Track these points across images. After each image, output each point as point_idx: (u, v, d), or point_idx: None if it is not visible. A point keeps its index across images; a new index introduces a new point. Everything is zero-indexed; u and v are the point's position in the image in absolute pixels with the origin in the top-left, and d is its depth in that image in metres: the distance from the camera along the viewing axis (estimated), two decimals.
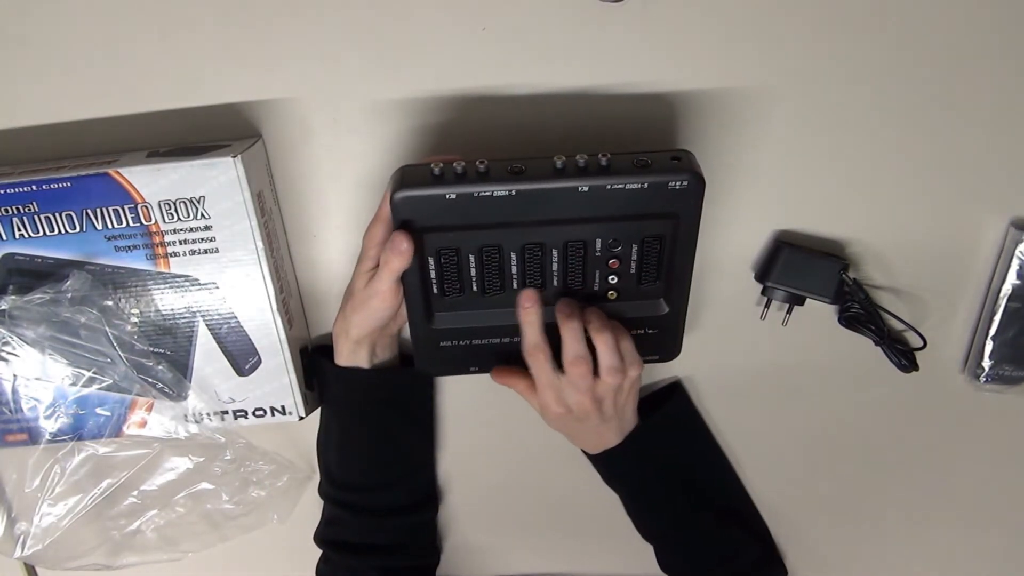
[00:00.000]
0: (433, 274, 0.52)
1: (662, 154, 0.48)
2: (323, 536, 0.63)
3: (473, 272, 0.52)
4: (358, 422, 0.60)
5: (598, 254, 0.52)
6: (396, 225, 0.49)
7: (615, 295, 0.54)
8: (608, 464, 0.62)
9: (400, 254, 0.49)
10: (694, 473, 0.64)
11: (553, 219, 0.49)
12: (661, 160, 0.47)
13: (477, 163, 0.47)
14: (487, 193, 0.47)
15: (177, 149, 0.56)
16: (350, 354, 0.57)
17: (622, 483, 0.64)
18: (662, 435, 0.62)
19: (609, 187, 0.47)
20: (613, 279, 0.53)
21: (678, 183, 0.47)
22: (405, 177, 0.48)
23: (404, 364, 0.61)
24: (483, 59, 0.56)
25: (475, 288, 0.53)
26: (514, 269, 0.52)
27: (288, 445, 0.66)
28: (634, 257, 0.52)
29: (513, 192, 0.47)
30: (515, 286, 0.53)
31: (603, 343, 0.51)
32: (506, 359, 0.57)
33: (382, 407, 0.60)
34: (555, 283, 0.53)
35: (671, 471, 0.62)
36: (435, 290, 0.53)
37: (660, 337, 0.57)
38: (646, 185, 0.47)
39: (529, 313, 0.51)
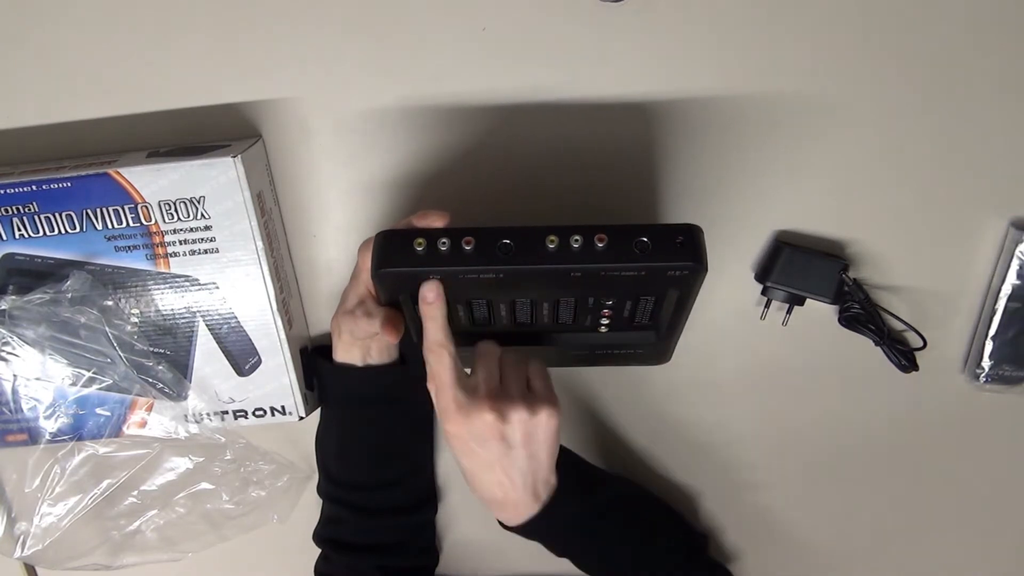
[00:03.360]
0: (420, 313, 0.50)
1: (665, 233, 0.43)
2: (322, 535, 0.63)
3: (461, 314, 0.50)
4: (356, 420, 0.60)
5: (590, 307, 0.50)
6: (381, 294, 0.49)
7: (606, 330, 0.53)
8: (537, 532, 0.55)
9: (391, 340, 0.51)
10: (619, 514, 0.59)
11: (544, 293, 0.47)
12: (663, 242, 0.43)
13: (463, 242, 0.43)
14: (473, 275, 0.44)
15: (177, 149, 0.56)
16: (344, 352, 0.57)
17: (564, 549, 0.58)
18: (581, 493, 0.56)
19: (604, 274, 0.44)
20: (605, 322, 0.52)
21: (678, 271, 0.44)
22: (386, 252, 0.45)
23: (403, 362, 0.61)
24: (483, 59, 0.56)
25: (463, 322, 0.51)
26: (503, 313, 0.51)
27: (288, 445, 0.66)
28: (627, 309, 0.50)
29: (501, 275, 0.44)
30: (505, 322, 0.52)
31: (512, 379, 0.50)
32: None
33: (379, 405, 0.60)
34: (545, 321, 0.51)
35: (603, 521, 0.57)
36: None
37: (649, 354, 0.57)
38: (644, 272, 0.44)
39: (432, 308, 0.47)
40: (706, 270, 0.44)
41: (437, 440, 0.67)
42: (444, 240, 0.44)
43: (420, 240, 0.44)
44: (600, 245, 0.43)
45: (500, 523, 0.55)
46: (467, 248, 0.43)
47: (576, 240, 0.43)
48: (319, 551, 0.64)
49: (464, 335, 0.51)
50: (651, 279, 0.45)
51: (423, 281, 0.46)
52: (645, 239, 0.43)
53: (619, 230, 0.43)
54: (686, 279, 0.45)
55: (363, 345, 0.57)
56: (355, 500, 0.61)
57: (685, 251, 0.43)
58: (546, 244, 0.43)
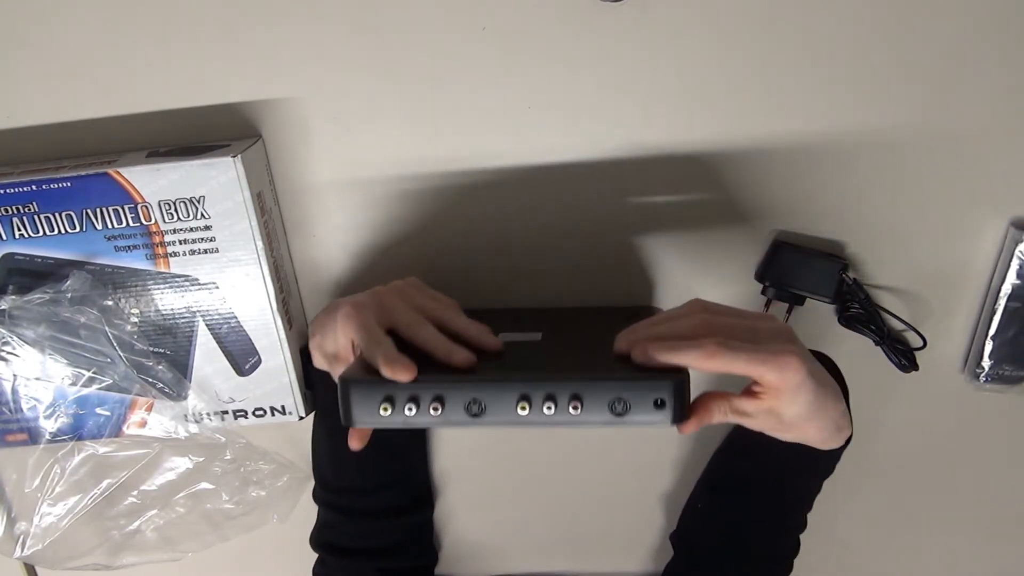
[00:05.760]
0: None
1: (644, 390, 0.42)
2: (319, 540, 0.63)
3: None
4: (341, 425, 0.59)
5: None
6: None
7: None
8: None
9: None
10: None
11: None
12: (641, 402, 0.42)
13: (430, 408, 0.43)
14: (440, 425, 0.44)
15: (177, 149, 0.56)
16: (319, 362, 0.55)
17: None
18: None
19: (575, 426, 0.43)
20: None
21: (654, 423, 0.43)
22: (353, 406, 0.44)
23: None
24: (483, 58, 0.56)
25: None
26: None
27: (288, 445, 0.66)
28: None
29: (469, 427, 0.44)
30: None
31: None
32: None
33: None
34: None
35: None
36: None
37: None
38: (616, 426, 0.43)
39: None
40: (685, 419, 0.43)
41: (437, 438, 0.67)
42: (411, 406, 0.43)
43: (386, 406, 0.43)
44: (573, 413, 0.42)
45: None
46: (433, 413, 0.43)
47: (549, 407, 0.42)
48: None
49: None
50: (626, 427, 0.43)
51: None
52: (622, 401, 0.42)
53: (595, 387, 0.42)
54: (663, 426, 0.43)
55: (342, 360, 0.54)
56: (351, 504, 0.60)
57: (663, 411, 0.42)
58: (516, 410, 0.43)
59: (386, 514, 0.61)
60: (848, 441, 0.52)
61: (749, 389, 0.46)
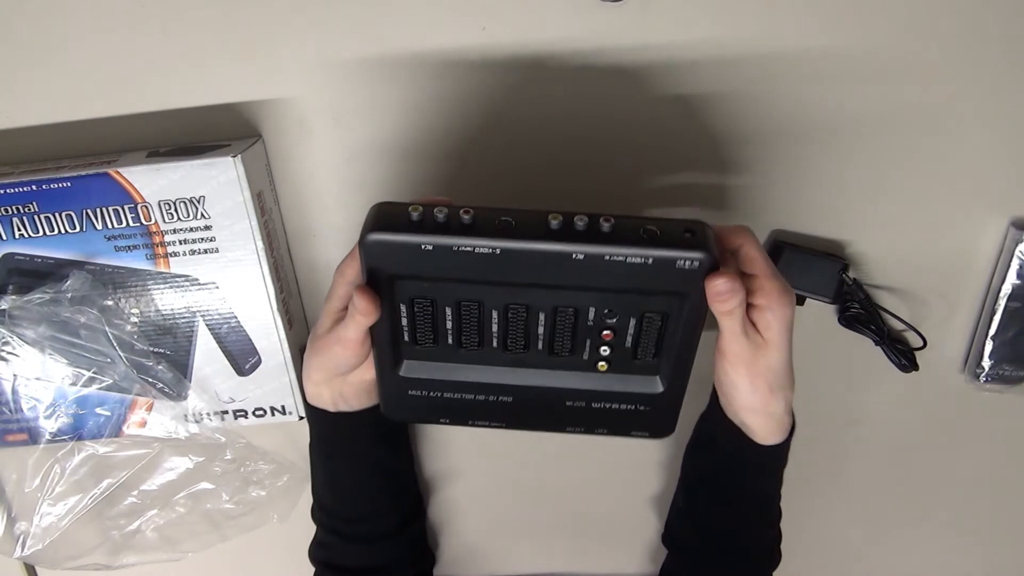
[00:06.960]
0: (404, 321, 0.47)
1: (674, 224, 0.42)
2: (316, 556, 0.62)
3: (449, 325, 0.47)
4: (338, 460, 0.58)
5: (590, 323, 0.46)
6: (364, 270, 0.44)
7: (605, 367, 0.49)
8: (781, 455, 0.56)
9: (363, 314, 0.44)
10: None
11: (542, 283, 0.43)
12: (672, 232, 0.41)
13: (462, 212, 0.41)
14: (468, 248, 0.41)
15: (177, 149, 0.56)
16: (313, 397, 0.54)
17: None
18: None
19: (608, 258, 0.41)
20: (605, 350, 0.48)
21: (687, 263, 0.41)
22: (379, 218, 0.42)
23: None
24: (483, 57, 0.56)
25: (450, 341, 0.48)
26: (495, 327, 0.47)
27: (288, 445, 0.66)
28: (631, 331, 0.47)
29: (498, 251, 0.41)
30: (495, 344, 0.48)
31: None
32: (480, 416, 0.52)
33: (358, 444, 0.58)
34: (539, 346, 0.48)
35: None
36: (406, 337, 0.48)
37: (651, 414, 0.51)
38: (651, 261, 0.41)
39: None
40: (717, 265, 0.42)
41: (437, 438, 0.67)
42: (441, 209, 0.41)
43: (416, 206, 0.41)
44: (606, 226, 0.41)
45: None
46: (465, 218, 0.41)
47: (581, 219, 0.41)
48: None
49: (452, 357, 0.48)
50: (658, 273, 0.42)
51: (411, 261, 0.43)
52: (652, 227, 0.41)
53: (626, 217, 0.42)
54: (695, 275, 0.42)
55: (332, 389, 0.53)
56: (346, 529, 0.60)
57: (695, 242, 0.41)
58: (548, 222, 0.41)
59: (382, 538, 0.60)
60: (790, 436, 0.54)
61: (750, 312, 0.47)
